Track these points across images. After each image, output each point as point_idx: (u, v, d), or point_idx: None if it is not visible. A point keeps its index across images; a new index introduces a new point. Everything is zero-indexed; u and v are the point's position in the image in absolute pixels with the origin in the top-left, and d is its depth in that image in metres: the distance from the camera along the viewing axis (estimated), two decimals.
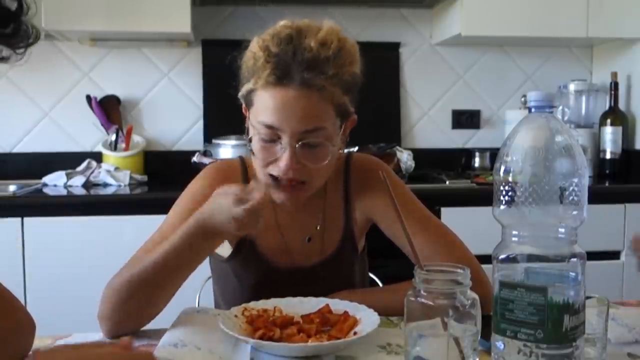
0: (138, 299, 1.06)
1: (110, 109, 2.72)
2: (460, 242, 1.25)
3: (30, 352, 0.87)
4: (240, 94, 1.18)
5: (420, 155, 2.63)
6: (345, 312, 1.08)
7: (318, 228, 1.29)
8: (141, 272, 1.06)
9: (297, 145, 1.11)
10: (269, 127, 1.12)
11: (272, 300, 1.12)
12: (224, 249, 1.31)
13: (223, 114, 2.77)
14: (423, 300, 0.80)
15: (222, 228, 1.04)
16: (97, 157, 2.65)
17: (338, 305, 1.11)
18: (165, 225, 1.22)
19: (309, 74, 1.08)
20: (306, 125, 1.11)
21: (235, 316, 1.07)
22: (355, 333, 1.01)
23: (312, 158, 1.14)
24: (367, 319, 1.05)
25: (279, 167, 1.13)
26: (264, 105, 1.12)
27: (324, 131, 1.13)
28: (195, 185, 1.28)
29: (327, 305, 1.11)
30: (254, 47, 1.14)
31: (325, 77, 1.09)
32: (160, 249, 1.07)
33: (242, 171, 1.31)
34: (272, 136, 1.12)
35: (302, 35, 1.11)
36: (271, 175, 1.16)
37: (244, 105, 1.21)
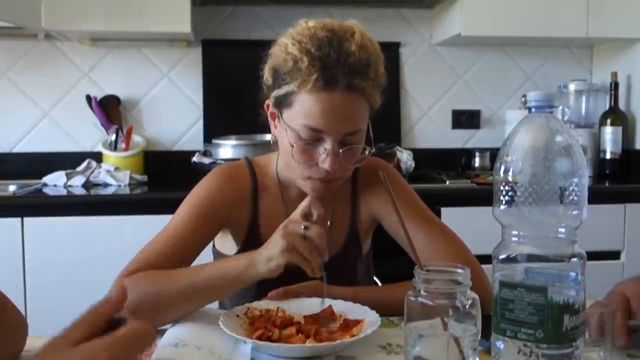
0: (162, 307, 1.07)
1: (110, 109, 2.72)
2: (461, 243, 1.25)
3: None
4: (274, 94, 1.18)
5: (420, 155, 2.63)
6: (347, 319, 1.08)
7: (329, 223, 1.29)
8: (177, 286, 1.09)
9: (339, 143, 1.14)
10: (314, 130, 1.13)
11: (274, 301, 1.13)
12: (230, 248, 1.31)
13: (223, 114, 2.78)
14: (423, 300, 0.80)
15: (268, 270, 1.06)
16: (97, 157, 2.65)
17: (340, 306, 1.11)
18: (172, 226, 1.21)
19: (353, 78, 1.11)
20: (349, 128, 1.14)
21: (237, 316, 1.07)
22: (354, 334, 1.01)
23: (349, 158, 1.17)
24: (368, 319, 1.05)
25: (321, 169, 1.15)
26: (308, 109, 1.12)
27: (362, 132, 1.17)
28: (204, 187, 1.27)
29: (330, 306, 1.11)
30: (292, 49, 1.12)
31: (367, 80, 1.12)
32: (203, 271, 1.10)
33: (249, 172, 1.31)
34: (315, 138, 1.14)
35: (341, 38, 1.12)
36: (311, 178, 1.18)
37: (269, 105, 1.21)
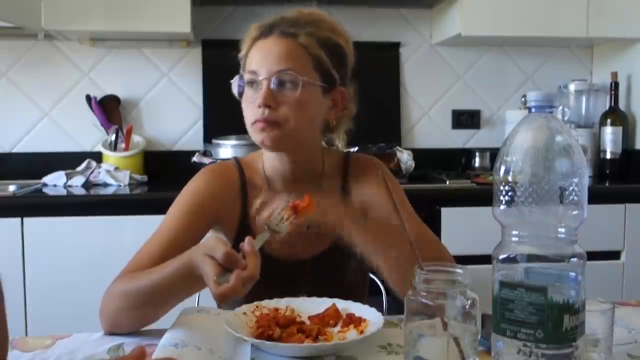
0: (134, 310, 1.09)
1: (110, 109, 2.72)
2: (441, 243, 1.29)
3: None
4: (240, 72, 1.27)
5: (420, 155, 2.62)
6: (352, 314, 1.08)
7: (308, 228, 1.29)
8: (138, 288, 1.08)
9: (272, 81, 1.19)
10: (252, 72, 1.22)
11: (285, 300, 1.14)
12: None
13: (223, 114, 2.76)
14: (423, 300, 0.80)
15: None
16: (97, 157, 2.65)
17: (345, 305, 1.12)
18: (164, 226, 1.23)
19: (287, 27, 1.23)
20: (280, 65, 1.20)
21: (245, 314, 1.07)
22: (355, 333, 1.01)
23: (286, 96, 1.21)
24: (372, 320, 1.05)
25: (256, 105, 1.21)
26: (249, 59, 1.24)
27: (298, 74, 1.21)
28: (192, 185, 1.30)
29: (334, 304, 1.11)
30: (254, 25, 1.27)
31: (302, 30, 1.22)
32: (154, 274, 1.07)
33: (238, 172, 1.32)
34: (254, 80, 1.22)
35: (293, 11, 1.26)
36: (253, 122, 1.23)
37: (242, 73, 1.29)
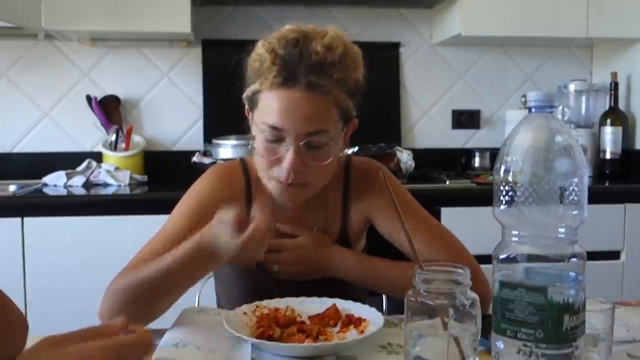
0: (139, 303, 1.08)
1: (110, 109, 2.72)
2: (459, 243, 1.26)
3: None
4: (244, 95, 1.19)
5: (420, 155, 2.63)
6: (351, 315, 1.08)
7: (315, 229, 1.29)
8: (144, 278, 1.08)
9: (300, 145, 1.12)
10: (274, 128, 1.12)
11: (285, 300, 1.13)
12: None
13: (223, 114, 2.76)
14: (423, 300, 0.80)
15: (222, 254, 1.04)
16: (97, 157, 2.65)
17: (345, 305, 1.12)
18: (168, 227, 1.22)
19: (314, 77, 1.10)
20: (310, 127, 1.12)
21: (245, 313, 1.07)
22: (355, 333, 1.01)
23: (315, 158, 1.15)
24: (372, 320, 1.05)
25: (282, 168, 1.14)
26: (269, 107, 1.13)
27: (327, 133, 1.14)
28: (197, 187, 1.28)
29: (335, 305, 1.11)
30: (260, 50, 1.14)
31: (330, 80, 1.11)
32: (164, 260, 1.07)
33: (243, 172, 1.31)
34: (277, 137, 1.13)
35: (309, 39, 1.12)
36: (274, 178, 1.17)
37: (246, 107, 1.22)
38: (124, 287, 1.09)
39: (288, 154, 1.12)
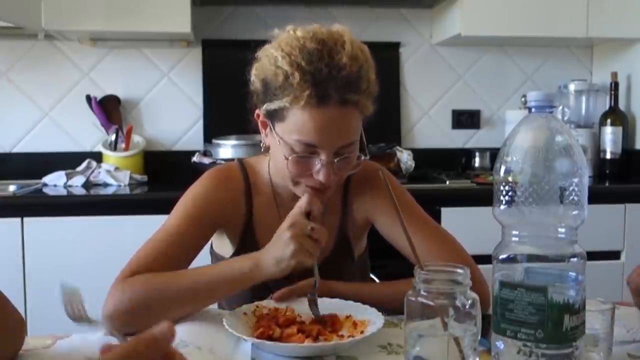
0: (161, 307, 1.08)
1: (110, 109, 2.72)
2: (457, 244, 1.26)
3: None
4: (265, 108, 1.16)
5: (420, 155, 2.63)
6: (353, 319, 1.08)
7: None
8: (178, 284, 1.10)
9: (334, 156, 1.13)
10: (308, 145, 1.12)
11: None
12: (226, 249, 1.32)
13: (223, 114, 2.78)
14: (423, 300, 0.80)
15: (274, 271, 1.08)
16: (97, 157, 2.65)
17: (345, 306, 1.11)
18: (168, 226, 1.21)
19: (346, 92, 1.10)
20: (343, 141, 1.14)
21: (245, 314, 1.07)
22: (354, 334, 1.01)
23: (344, 167, 1.17)
24: (372, 320, 1.05)
25: (316, 181, 1.15)
26: (302, 125, 1.11)
27: (356, 143, 1.17)
28: (195, 192, 1.27)
29: (336, 315, 1.10)
30: (281, 62, 1.11)
31: (359, 93, 1.12)
32: (206, 272, 1.12)
33: (242, 173, 1.31)
34: (310, 152, 1.13)
35: (331, 49, 1.11)
36: (302, 183, 1.18)
37: (260, 114, 1.19)
38: (147, 289, 1.09)
39: (323, 169, 1.13)
